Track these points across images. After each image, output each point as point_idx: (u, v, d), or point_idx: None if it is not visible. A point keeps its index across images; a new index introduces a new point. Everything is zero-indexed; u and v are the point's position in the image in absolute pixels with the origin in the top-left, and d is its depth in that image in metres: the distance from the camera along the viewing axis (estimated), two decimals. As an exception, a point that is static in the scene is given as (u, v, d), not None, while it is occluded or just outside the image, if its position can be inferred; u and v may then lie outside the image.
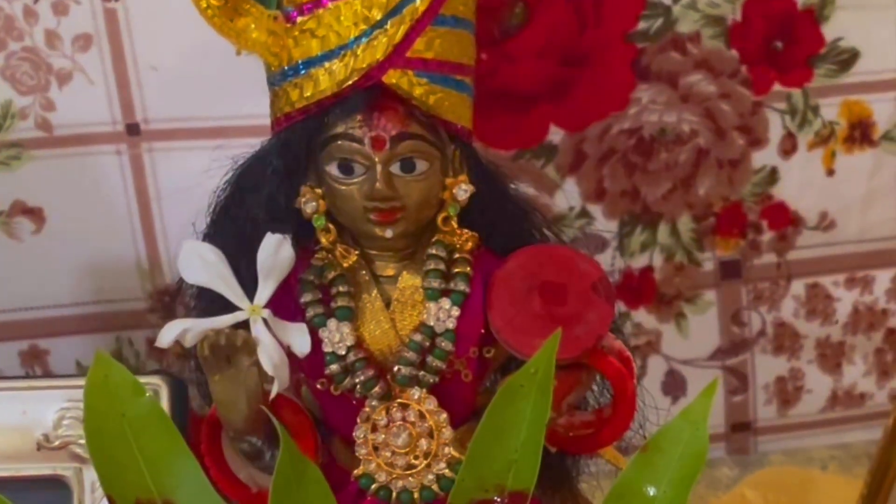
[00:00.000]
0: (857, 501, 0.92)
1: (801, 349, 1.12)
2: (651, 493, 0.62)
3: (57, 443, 0.74)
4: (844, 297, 1.11)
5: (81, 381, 0.72)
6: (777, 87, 1.03)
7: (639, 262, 1.07)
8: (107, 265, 1.04)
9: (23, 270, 1.04)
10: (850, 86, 1.04)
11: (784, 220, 1.08)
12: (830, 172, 1.07)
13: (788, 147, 1.06)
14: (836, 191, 1.07)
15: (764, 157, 1.06)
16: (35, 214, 1.03)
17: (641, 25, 1.00)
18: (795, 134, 1.05)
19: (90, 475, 0.74)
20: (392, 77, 0.68)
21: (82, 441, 0.74)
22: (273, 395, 0.68)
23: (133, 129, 1.01)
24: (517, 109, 1.03)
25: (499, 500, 0.65)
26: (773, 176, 1.06)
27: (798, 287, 1.10)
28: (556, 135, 1.03)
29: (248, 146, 0.77)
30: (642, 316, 1.10)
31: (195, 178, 0.95)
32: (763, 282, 1.10)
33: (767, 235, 1.08)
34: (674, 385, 1.10)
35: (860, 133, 1.06)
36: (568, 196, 1.04)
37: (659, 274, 1.08)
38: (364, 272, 0.71)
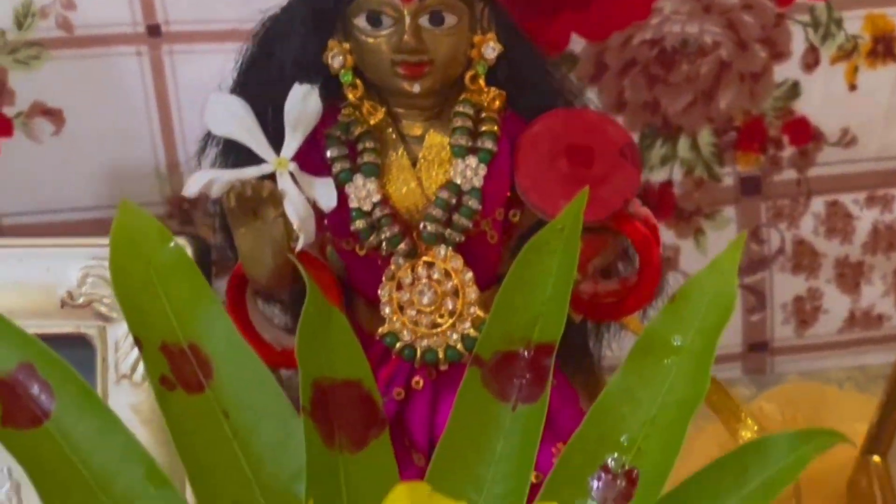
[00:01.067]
0: (872, 418, 0.91)
1: (820, 268, 1.12)
2: (678, 343, 0.62)
3: (81, 300, 0.74)
4: (864, 215, 1.11)
5: (105, 240, 0.72)
6: (801, -2, 1.01)
7: (658, 176, 1.07)
8: (126, 169, 1.04)
9: (42, 173, 1.04)
10: (874, -1, 1.01)
11: (805, 135, 1.08)
12: (853, 87, 1.06)
13: (811, 61, 1.05)
14: (858, 107, 1.07)
15: (786, 71, 1.05)
16: (54, 115, 1.03)
17: (665, -67, 0.98)
18: (818, 47, 1.05)
19: (114, 333, 0.74)
20: (421, -76, 0.68)
21: (106, 300, 0.74)
22: (299, 248, 0.67)
23: (154, 31, 1.01)
24: (539, 17, 1.03)
25: (524, 352, 0.64)
26: (794, 90, 1.06)
27: (818, 204, 1.10)
28: (577, 44, 1.03)
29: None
30: (661, 232, 1.10)
31: (215, 81, 0.96)
32: (783, 198, 1.09)
33: (788, 151, 1.08)
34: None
35: (883, 48, 1.06)
36: (588, 107, 1.04)
37: (678, 189, 1.08)
38: (390, 130, 0.71)
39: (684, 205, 1.10)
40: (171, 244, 0.64)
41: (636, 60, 1.05)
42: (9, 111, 1.03)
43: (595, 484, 0.63)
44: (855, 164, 1.10)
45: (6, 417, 0.62)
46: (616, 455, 0.63)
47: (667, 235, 1.11)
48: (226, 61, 0.99)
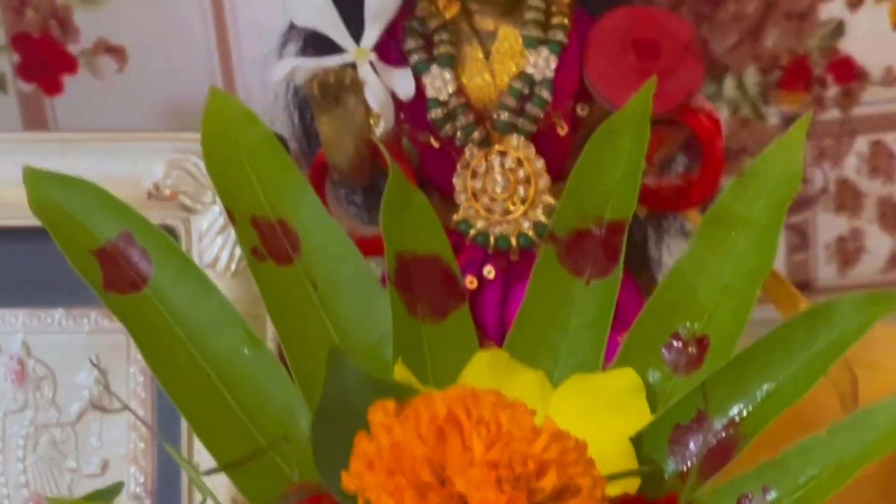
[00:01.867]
0: None
1: (863, 208, 1.13)
2: (745, 216, 0.64)
3: (167, 192, 0.76)
4: (908, 155, 1.10)
5: (189, 135, 0.75)
6: (847, -63, 1.03)
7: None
8: (187, 103, 1.04)
9: (106, 109, 1.06)
10: (921, -63, 1.03)
11: (849, 74, 1.09)
12: (897, 26, 1.06)
13: (855, 0, 1.05)
14: (902, 46, 1.06)
15: (831, 10, 1.06)
16: (118, 53, 1.05)
17: None
18: (863, -14, 1.04)
19: (197, 225, 0.76)
20: None
21: (190, 192, 0.76)
22: (379, 133, 0.70)
23: (214, -32, 1.01)
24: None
25: (597, 230, 0.66)
26: (839, 29, 1.07)
27: (861, 144, 1.11)
28: (625, -18, 1.04)
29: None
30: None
31: (273, 11, 0.98)
32: (827, 138, 1.10)
33: (832, 90, 1.09)
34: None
35: (929, -14, 1.06)
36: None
37: (724, 128, 1.07)
38: (465, 24, 0.74)
39: (730, 144, 1.11)
40: (260, 127, 0.66)
41: (683, -1, 1.06)
42: (74, 48, 1.05)
43: (668, 350, 0.65)
44: None
45: (108, 283, 0.64)
46: (687, 323, 0.65)
47: (712, 174, 1.12)
48: (288, -1, 1.02)
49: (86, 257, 0.64)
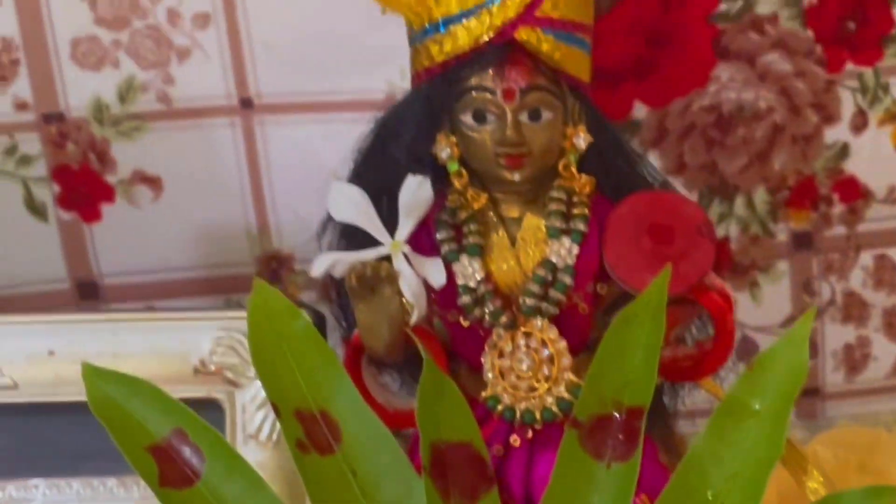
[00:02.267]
0: None
1: (869, 318, 1.17)
2: (757, 407, 0.68)
3: (212, 368, 0.80)
4: (912, 268, 1.13)
5: (234, 313, 0.80)
6: (850, 65, 1.08)
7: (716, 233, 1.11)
8: (219, 232, 1.10)
9: (141, 236, 1.10)
10: (918, 65, 1.06)
11: (854, 193, 1.12)
12: (899, 148, 1.09)
13: (859, 123, 1.10)
14: (904, 166, 1.09)
15: (836, 134, 1.10)
16: (154, 183, 1.09)
17: (722, 7, 1.05)
18: (866, 111, 1.10)
19: (241, 397, 0.81)
20: (522, 34, 0.76)
21: (235, 367, 0.81)
22: (413, 322, 0.75)
23: (246, 103, 1.07)
24: (605, 86, 1.08)
25: (617, 415, 0.71)
26: (844, 151, 1.11)
27: (866, 258, 1.15)
28: (640, 110, 1.09)
29: (352, 120, 0.82)
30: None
31: (303, 149, 1.03)
32: (833, 253, 1.14)
33: (838, 208, 1.13)
34: (747, 351, 1.15)
35: (927, 111, 1.08)
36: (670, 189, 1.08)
37: (735, 244, 1.13)
38: (492, 213, 0.79)
39: (740, 259, 1.15)
40: (302, 319, 0.71)
41: (695, 125, 1.11)
42: (111, 179, 1.10)
43: (684, 535, 0.70)
44: None
45: (163, 479, 0.69)
46: (703, 507, 0.70)
47: (724, 289, 1.15)
48: (313, 131, 1.06)
49: (141, 454, 0.69)
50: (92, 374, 0.69)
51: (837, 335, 1.18)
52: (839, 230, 1.14)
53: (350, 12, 1.01)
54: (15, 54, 1.05)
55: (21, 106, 1.06)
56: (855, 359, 1.18)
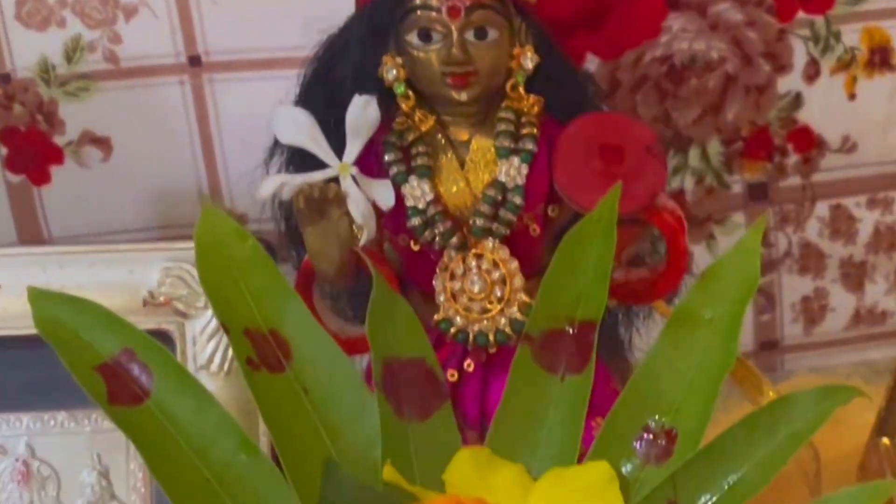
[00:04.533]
0: (881, 403, 0.96)
1: (826, 269, 1.17)
2: (708, 316, 0.68)
3: (161, 299, 0.80)
4: (866, 217, 1.16)
5: (182, 244, 0.79)
6: (801, 14, 1.08)
7: (671, 185, 1.11)
8: (170, 192, 1.09)
9: (92, 197, 1.09)
10: (869, 13, 1.08)
11: (808, 143, 1.12)
12: (852, 97, 1.11)
13: (812, 73, 1.10)
14: (857, 115, 1.12)
15: (789, 83, 1.10)
16: (103, 143, 1.08)
17: (672, -44, 1.04)
18: (818, 60, 1.10)
19: (191, 329, 0.80)
20: (466, -50, 0.75)
21: (184, 297, 0.80)
22: (362, 243, 0.74)
23: (195, 61, 1.06)
24: (556, 38, 1.07)
25: (570, 329, 0.70)
26: (797, 101, 1.11)
27: (822, 208, 1.15)
28: (591, 63, 1.08)
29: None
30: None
31: (254, 107, 1.02)
32: (789, 203, 1.14)
33: (793, 158, 1.13)
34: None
35: (880, 58, 1.10)
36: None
37: (690, 196, 1.13)
38: (440, 136, 0.78)
39: (696, 212, 1.15)
40: (250, 242, 0.70)
41: (647, 76, 1.11)
42: (60, 140, 1.09)
43: (639, 443, 0.70)
44: (856, 168, 1.15)
45: (112, 397, 0.68)
46: (656, 417, 0.69)
47: (679, 241, 1.15)
48: (262, 88, 1.05)
49: (90, 373, 0.68)
50: (38, 296, 0.69)
51: (795, 287, 1.18)
52: (794, 181, 1.14)
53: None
54: (-42, 15, 1.03)
55: (-34, 67, 1.05)
56: (813, 311, 1.19)
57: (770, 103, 1.11)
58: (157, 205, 1.10)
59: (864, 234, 1.17)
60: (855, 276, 1.18)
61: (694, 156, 1.12)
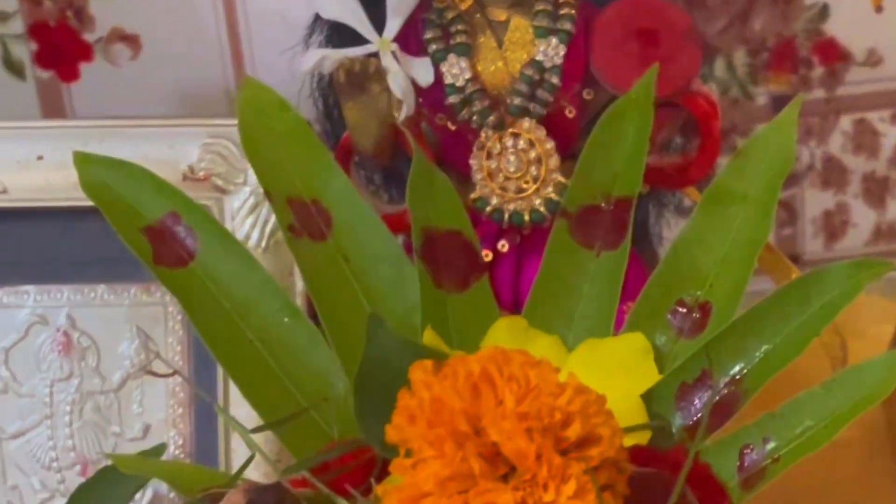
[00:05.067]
0: None
1: (848, 184, 1.17)
2: (743, 192, 0.69)
3: (201, 174, 0.81)
4: (890, 132, 1.15)
5: (222, 121, 0.79)
6: (829, -77, 1.06)
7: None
8: (197, 91, 1.09)
9: (120, 95, 1.09)
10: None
11: (834, 55, 1.12)
12: (879, 9, 1.11)
13: None
14: (884, 28, 1.11)
15: (816, -7, 1.08)
16: (132, 41, 1.08)
17: None
18: (846, -32, 1.08)
19: (230, 205, 0.81)
20: None
21: (223, 173, 0.81)
22: (402, 118, 0.75)
23: (225, -41, 1.04)
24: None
25: (606, 205, 0.71)
26: (824, 12, 1.11)
27: (846, 122, 1.15)
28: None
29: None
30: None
31: (283, 7, 1.02)
32: (813, 116, 1.14)
33: (818, 71, 1.13)
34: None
35: (908, -31, 1.09)
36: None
37: None
38: (479, 15, 0.79)
39: (721, 123, 1.15)
40: (291, 113, 0.71)
41: (676, -17, 1.11)
42: (89, 37, 1.09)
43: (673, 316, 0.71)
44: (881, 82, 1.15)
45: (158, 258, 0.69)
46: (691, 290, 0.70)
47: (703, 153, 1.15)
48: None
49: (136, 235, 0.69)
50: (84, 160, 0.70)
51: (816, 202, 1.18)
52: (819, 93, 1.14)
53: None
54: None
55: (-2, -40, 1.05)
56: (834, 225, 1.19)
57: (796, 14, 1.11)
58: (184, 104, 1.10)
59: (887, 149, 1.17)
60: (877, 191, 1.18)
61: (719, 67, 1.12)
